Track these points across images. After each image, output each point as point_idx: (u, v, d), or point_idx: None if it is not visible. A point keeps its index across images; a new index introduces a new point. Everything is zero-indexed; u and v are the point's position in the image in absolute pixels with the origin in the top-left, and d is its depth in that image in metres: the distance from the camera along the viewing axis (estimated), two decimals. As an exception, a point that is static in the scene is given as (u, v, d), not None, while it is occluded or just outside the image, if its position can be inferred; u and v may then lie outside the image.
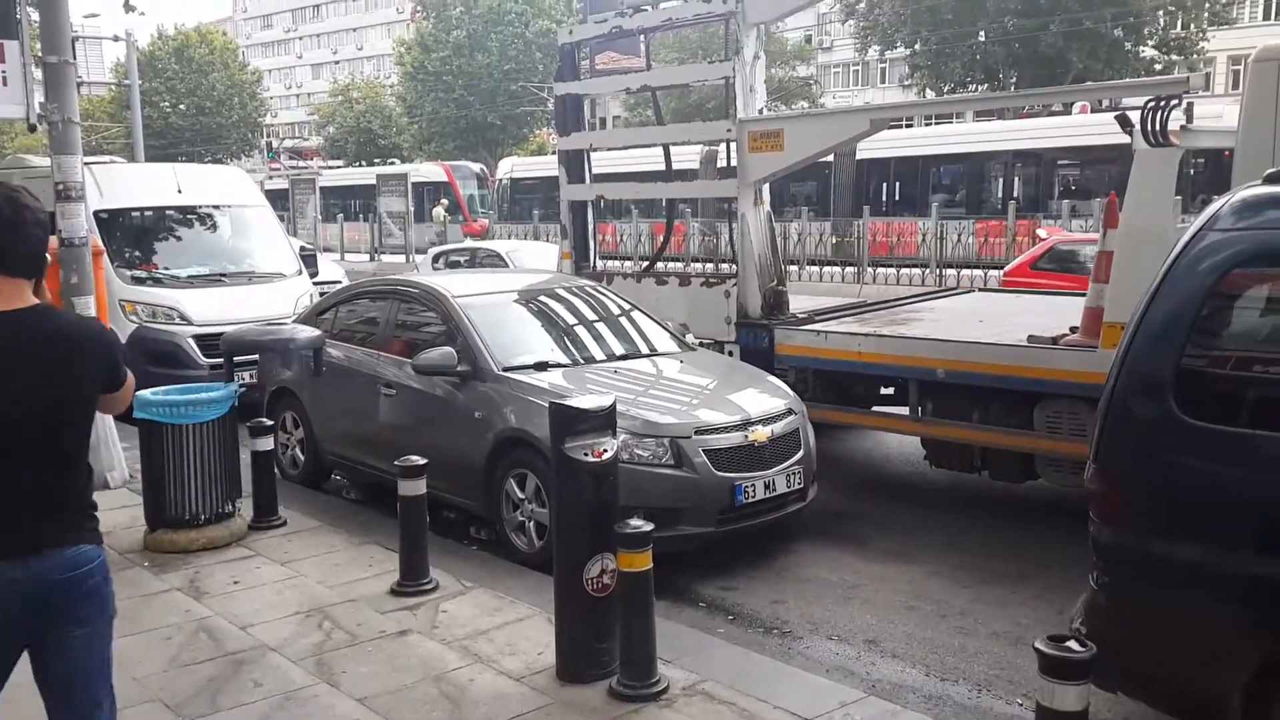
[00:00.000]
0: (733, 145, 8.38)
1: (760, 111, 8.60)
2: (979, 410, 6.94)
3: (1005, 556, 6.28)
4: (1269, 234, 3.62)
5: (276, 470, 7.85)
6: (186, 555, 6.29)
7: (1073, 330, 6.83)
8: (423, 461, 5.69)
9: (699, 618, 5.54)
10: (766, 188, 8.51)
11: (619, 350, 7.20)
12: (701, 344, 7.94)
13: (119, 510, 7.28)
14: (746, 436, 6.11)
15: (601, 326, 7.50)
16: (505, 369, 6.55)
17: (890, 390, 8.05)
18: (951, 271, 19.09)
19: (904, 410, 7.47)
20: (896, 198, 25.53)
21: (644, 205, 24.53)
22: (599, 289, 8.19)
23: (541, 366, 6.60)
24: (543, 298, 7.71)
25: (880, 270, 21.01)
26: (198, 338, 10.60)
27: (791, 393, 6.84)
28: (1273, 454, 3.35)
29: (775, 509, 6.20)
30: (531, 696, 4.40)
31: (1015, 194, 23.32)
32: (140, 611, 5.44)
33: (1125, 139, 6.50)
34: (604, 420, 4.60)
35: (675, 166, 9.95)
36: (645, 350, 7.28)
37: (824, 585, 5.97)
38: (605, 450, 4.54)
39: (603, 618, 4.53)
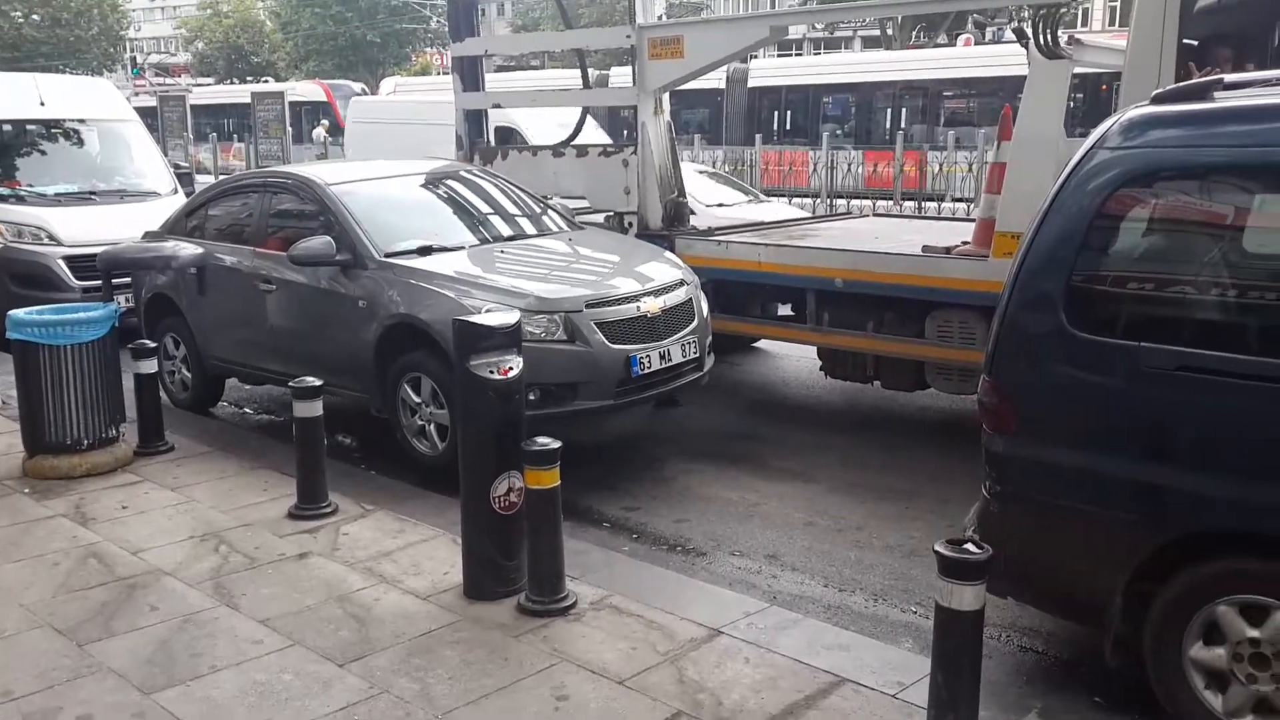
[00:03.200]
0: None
1: (660, 18, 8.52)
2: (873, 320, 7.11)
3: (898, 473, 6.48)
4: (1155, 152, 3.74)
5: (166, 397, 7.63)
6: (69, 481, 6.05)
7: (964, 243, 7.02)
8: (318, 382, 5.57)
9: (604, 537, 5.59)
10: (666, 97, 8.45)
11: (505, 232, 7.17)
12: (604, 216, 8.05)
13: (-8, 436, 6.97)
14: (639, 308, 6.16)
15: (486, 209, 7.45)
16: (387, 255, 6.41)
17: (787, 309, 8.19)
18: (841, 201, 19.36)
19: (802, 323, 7.62)
20: (788, 127, 25.68)
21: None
22: (484, 173, 8.13)
23: (425, 251, 6.49)
24: (424, 184, 7.60)
25: (772, 200, 21.22)
26: (68, 259, 10.09)
27: (683, 264, 6.94)
28: (1154, 364, 3.51)
29: (672, 378, 6.32)
30: (439, 614, 4.39)
31: (902, 125, 23.69)
32: (23, 538, 5.24)
33: (1006, 72, 6.70)
34: (509, 338, 4.55)
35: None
36: (532, 231, 7.26)
37: (725, 504, 6.08)
38: (511, 368, 4.50)
39: (509, 536, 4.54)
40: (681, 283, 6.62)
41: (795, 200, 21.19)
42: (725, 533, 5.68)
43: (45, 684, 3.83)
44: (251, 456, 6.59)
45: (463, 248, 6.76)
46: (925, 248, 7.01)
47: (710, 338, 6.74)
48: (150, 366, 6.70)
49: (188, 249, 7.03)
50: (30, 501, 5.76)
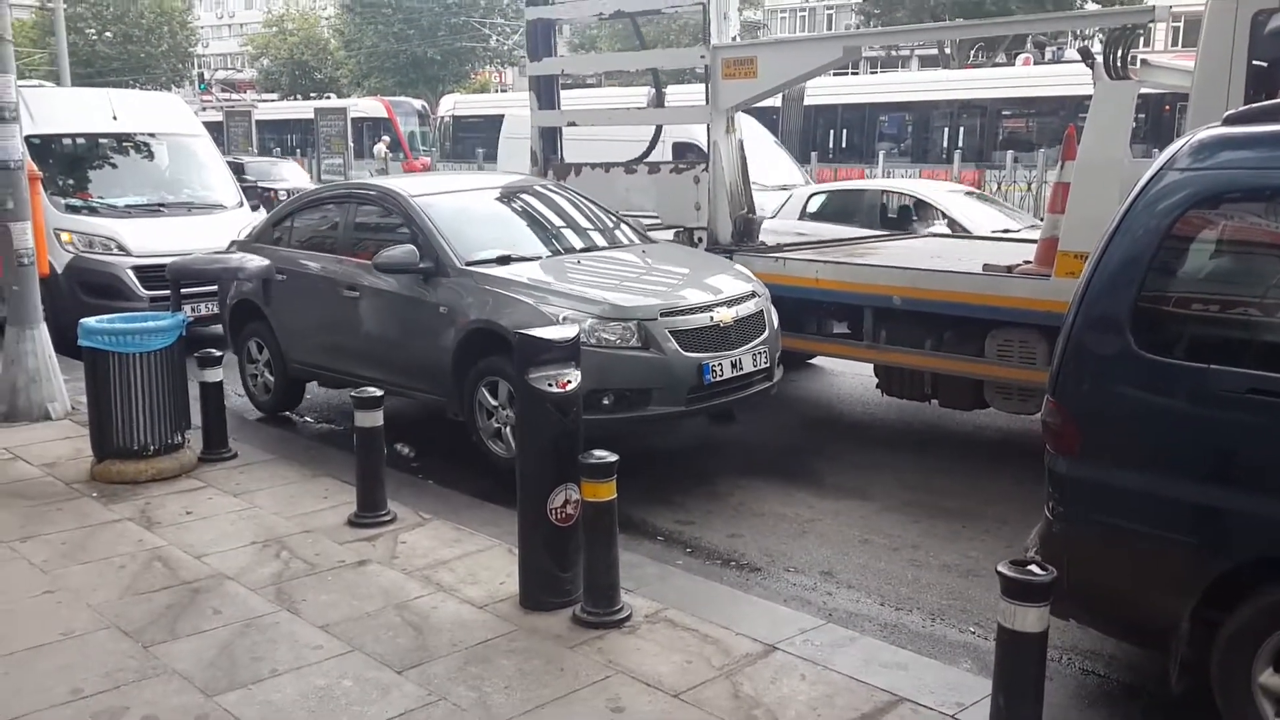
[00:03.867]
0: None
1: (733, 39, 8.58)
2: (932, 338, 7.08)
3: (954, 494, 6.42)
4: (1226, 174, 3.69)
5: (250, 402, 7.84)
6: (135, 486, 6.19)
7: (1026, 262, 6.96)
8: (379, 393, 5.65)
9: (658, 550, 5.59)
10: (739, 116, 8.50)
11: (580, 244, 7.32)
12: (674, 231, 8.23)
13: (63, 441, 7.15)
14: (712, 318, 6.26)
15: (561, 222, 7.61)
16: (468, 263, 6.55)
17: (844, 328, 8.16)
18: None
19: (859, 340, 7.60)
20: (844, 145, 25.61)
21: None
22: (560, 187, 8.30)
23: (504, 260, 6.67)
24: (503, 196, 7.81)
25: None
26: (137, 269, 10.36)
27: (754, 277, 6.99)
28: (1224, 387, 3.45)
29: (743, 387, 6.40)
30: (495, 623, 4.42)
31: (959, 143, 23.52)
32: (90, 541, 5.36)
33: (1066, 92, 6.66)
34: (568, 351, 4.59)
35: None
36: (606, 243, 7.36)
37: (779, 520, 6.06)
38: (569, 381, 4.54)
39: (565, 547, 4.56)
40: (753, 294, 6.71)
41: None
42: (780, 549, 5.66)
43: (112, 684, 3.92)
44: (312, 464, 6.69)
45: (539, 257, 6.92)
46: (986, 266, 6.96)
47: (779, 350, 6.80)
48: (216, 375, 6.83)
49: (254, 261, 7.20)
50: (98, 505, 5.90)
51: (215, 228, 10.97)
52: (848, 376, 9.21)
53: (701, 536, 5.84)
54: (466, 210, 7.34)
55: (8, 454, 6.86)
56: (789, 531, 5.89)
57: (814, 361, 9.45)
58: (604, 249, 7.30)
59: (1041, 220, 9.11)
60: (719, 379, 6.22)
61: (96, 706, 3.75)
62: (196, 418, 6.83)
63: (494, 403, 6.27)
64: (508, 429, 6.23)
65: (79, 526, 5.56)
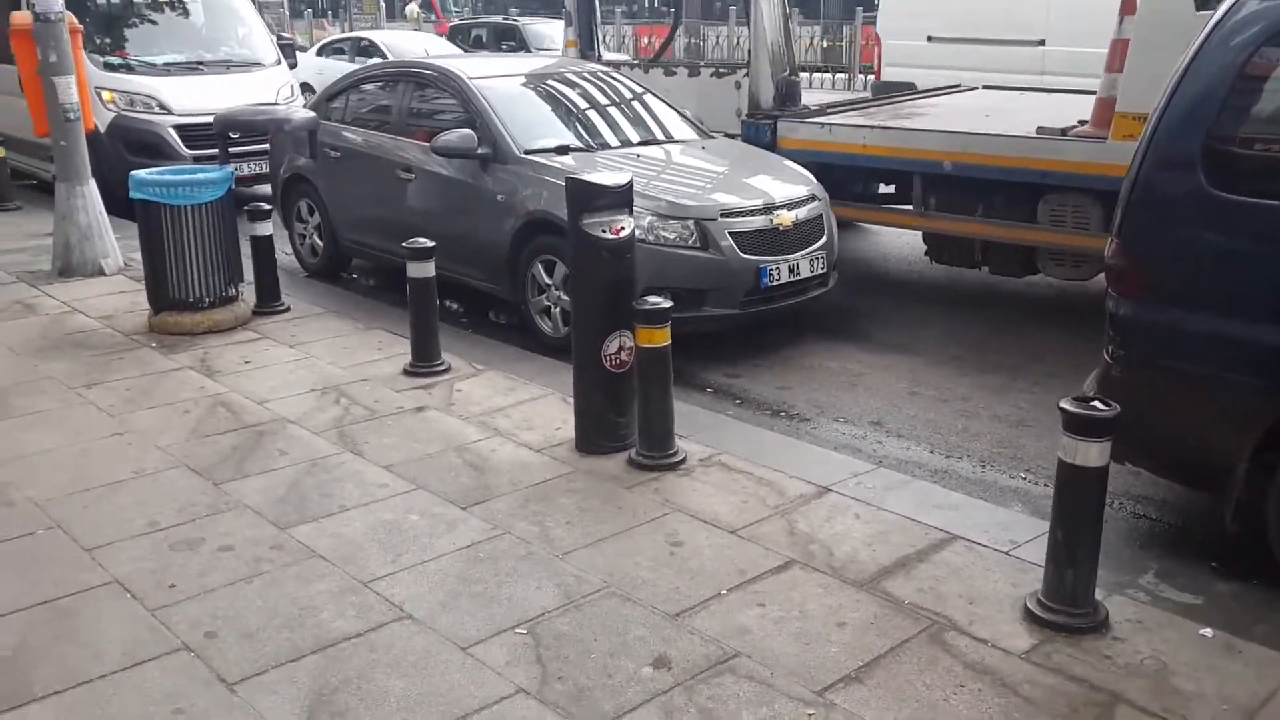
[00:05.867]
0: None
1: None
2: (983, 204, 6.92)
3: (1001, 349, 6.40)
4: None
5: (297, 261, 7.91)
6: (193, 337, 6.30)
7: (1081, 123, 6.75)
8: (430, 244, 5.66)
9: (707, 401, 5.65)
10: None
11: (638, 136, 7.11)
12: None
13: (118, 295, 7.27)
14: (771, 220, 6.13)
15: (619, 112, 7.38)
16: (527, 152, 6.47)
17: (889, 188, 8.02)
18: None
19: (907, 206, 7.46)
20: None
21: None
22: (613, 74, 8.00)
23: (563, 150, 6.55)
24: (558, 82, 7.52)
25: (871, 78, 20.51)
26: (178, 127, 10.32)
27: (814, 179, 6.80)
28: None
29: (798, 293, 6.29)
30: (553, 465, 4.52)
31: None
32: (154, 388, 5.49)
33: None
34: (621, 197, 4.55)
35: None
36: (664, 137, 7.19)
37: (828, 373, 6.09)
38: (623, 227, 4.51)
39: (620, 393, 4.62)
40: (813, 197, 6.52)
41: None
42: (829, 400, 5.70)
43: (187, 517, 4.06)
44: (364, 318, 6.77)
45: (599, 148, 6.76)
46: (1040, 129, 6.74)
47: (836, 255, 6.64)
48: (266, 229, 6.86)
49: (301, 113, 7.13)
50: (158, 355, 6.02)
51: (255, 85, 10.89)
52: (890, 235, 9.10)
53: (750, 389, 5.88)
54: (525, 96, 7.18)
55: (66, 307, 6.98)
56: (838, 384, 5.92)
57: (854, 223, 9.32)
58: (663, 143, 7.09)
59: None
60: (776, 283, 6.09)
61: (175, 537, 3.90)
62: (248, 274, 6.90)
63: (548, 280, 6.23)
64: (557, 309, 6.22)
65: (141, 374, 5.69)
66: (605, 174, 4.69)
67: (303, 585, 3.56)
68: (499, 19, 21.95)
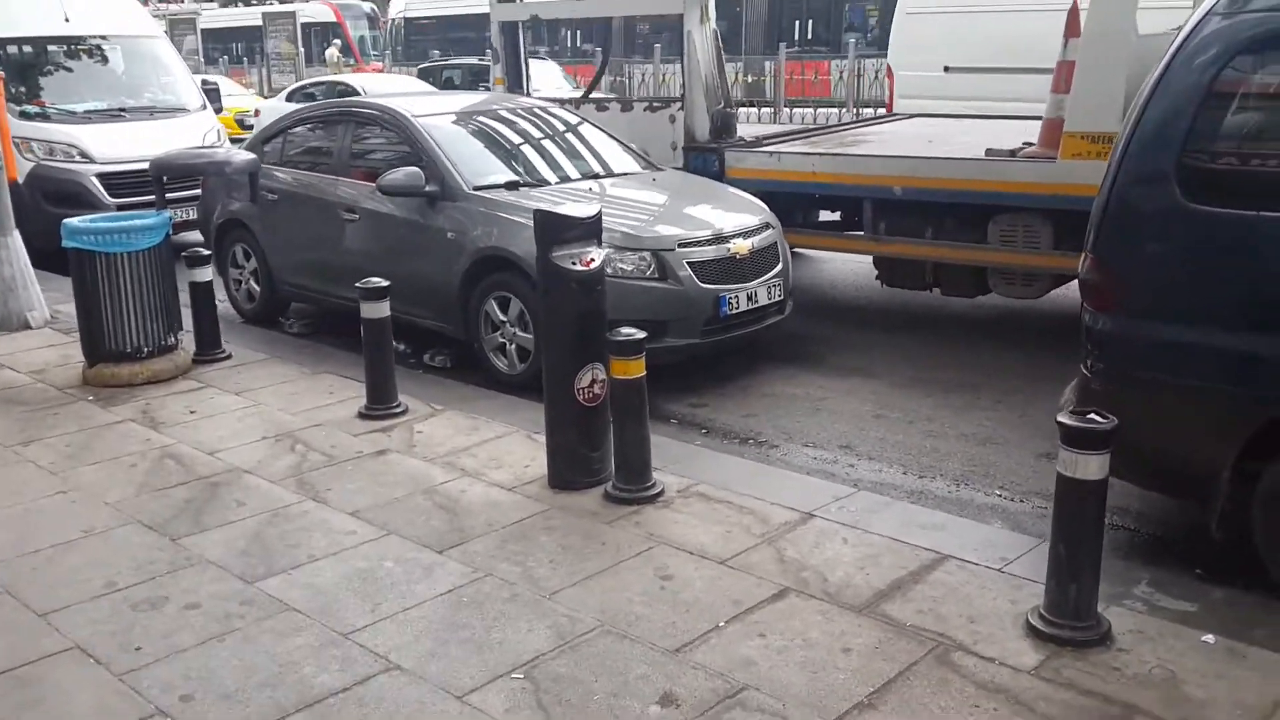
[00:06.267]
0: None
1: None
2: (932, 227, 6.98)
3: (959, 368, 6.43)
4: (1273, 16, 3.61)
5: (233, 307, 7.67)
6: (132, 389, 6.04)
7: (1027, 145, 6.87)
8: (385, 284, 5.53)
9: (674, 432, 5.55)
10: (712, 4, 8.23)
11: (591, 169, 7.04)
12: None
13: (47, 349, 6.96)
14: (728, 249, 6.08)
15: (564, 146, 7.29)
16: (475, 188, 6.35)
17: (833, 215, 8.07)
18: (869, 110, 19.03)
19: (857, 233, 7.50)
20: (810, 35, 25.14)
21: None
22: (555, 109, 7.92)
23: (512, 186, 6.44)
24: (501, 117, 7.42)
25: (796, 110, 20.83)
26: (101, 175, 9.99)
27: (765, 207, 6.78)
28: (1275, 234, 3.43)
29: (756, 321, 6.24)
30: (527, 503, 4.38)
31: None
32: (95, 442, 5.23)
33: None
34: (590, 229, 4.48)
35: None
36: (613, 169, 7.11)
37: (790, 400, 6.05)
38: (593, 259, 4.44)
39: (593, 427, 4.51)
40: (768, 225, 6.51)
41: (820, 110, 20.78)
42: (795, 426, 5.65)
43: (146, 575, 3.83)
44: (309, 362, 6.56)
45: (550, 183, 6.67)
46: (989, 151, 6.84)
47: (792, 282, 6.62)
48: (205, 274, 6.63)
49: (241, 155, 6.92)
50: (96, 408, 5.75)
51: (179, 131, 10.59)
52: (834, 262, 9.16)
53: (715, 418, 5.81)
54: (469, 132, 7.08)
55: (-7, 363, 6.66)
56: (802, 410, 5.88)
57: (799, 251, 9.36)
58: (613, 175, 7.03)
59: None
60: (735, 311, 6.05)
61: (135, 596, 3.68)
62: (185, 322, 6.65)
63: (502, 317, 6.10)
64: (512, 346, 6.10)
65: (80, 429, 5.42)
66: (573, 205, 4.61)
67: (279, 640, 3.37)
68: (473, 60, 21.68)
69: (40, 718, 3.00)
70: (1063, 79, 6.43)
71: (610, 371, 4.35)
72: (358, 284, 5.53)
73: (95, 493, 4.62)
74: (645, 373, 4.33)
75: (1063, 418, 3.18)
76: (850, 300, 8.38)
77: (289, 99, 18.06)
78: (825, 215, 8.11)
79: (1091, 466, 3.14)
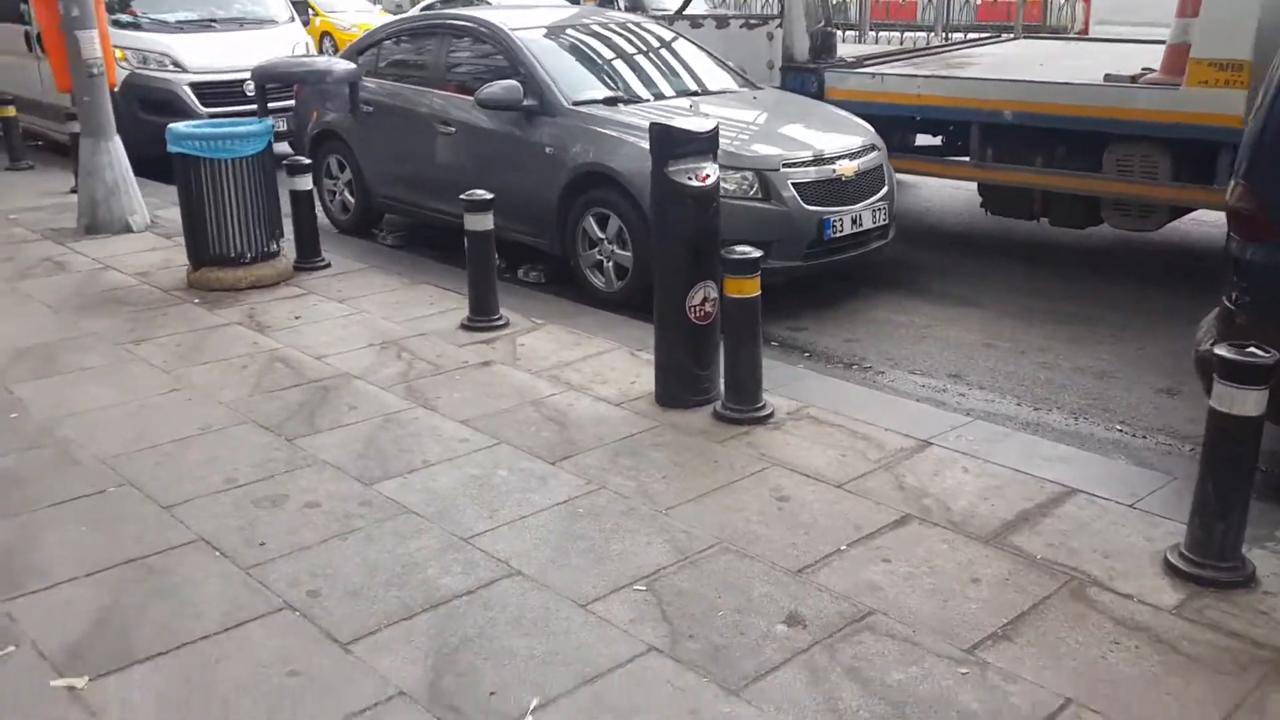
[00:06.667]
0: None
1: None
2: (1043, 155, 6.72)
3: (1071, 299, 6.23)
4: None
5: (326, 217, 7.67)
6: (235, 293, 6.10)
7: (1145, 71, 6.55)
8: (489, 196, 5.46)
9: (776, 355, 5.44)
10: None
11: (688, 87, 6.86)
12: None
13: (150, 252, 7.06)
14: (833, 170, 5.91)
15: (668, 63, 7.12)
16: (574, 103, 6.24)
17: (934, 139, 7.81)
18: (958, 35, 18.33)
19: (962, 158, 7.25)
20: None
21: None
22: (648, 24, 7.73)
23: (611, 102, 6.30)
24: (594, 32, 7.23)
25: (882, 34, 20.13)
26: (194, 85, 10.04)
27: (871, 129, 6.57)
28: None
29: (859, 245, 6.09)
30: (636, 419, 4.34)
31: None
32: (204, 343, 5.29)
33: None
34: (707, 143, 4.36)
35: None
36: (714, 87, 6.93)
37: (894, 326, 5.91)
38: (708, 175, 4.32)
39: (704, 345, 4.44)
40: (873, 147, 6.31)
41: (906, 35, 20.06)
42: (900, 353, 5.52)
43: (265, 473, 3.88)
44: (409, 273, 6.56)
45: (649, 99, 6.52)
46: (1108, 76, 6.53)
47: (895, 205, 6.42)
48: (306, 183, 6.64)
49: (342, 64, 6.86)
50: (203, 310, 5.82)
51: (269, 42, 10.58)
52: (935, 187, 8.90)
53: (817, 341, 5.71)
54: (565, 47, 6.91)
55: (98, 264, 6.77)
56: (907, 337, 5.74)
57: (900, 176, 9.11)
58: (712, 93, 6.83)
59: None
60: (839, 234, 5.89)
61: (256, 493, 3.72)
62: (286, 230, 6.68)
63: (600, 234, 6.02)
64: (610, 264, 6.02)
65: (190, 330, 5.49)
66: (690, 119, 4.47)
67: (400, 541, 3.39)
68: None
69: (172, 606, 3.05)
70: (1189, 2, 6.09)
71: (724, 290, 4.25)
72: (461, 196, 5.48)
73: (209, 392, 4.68)
74: (760, 292, 4.23)
75: (1221, 349, 3.03)
76: (954, 227, 8.14)
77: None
78: (923, 140, 7.85)
79: (1249, 402, 2.99)
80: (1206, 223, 7.32)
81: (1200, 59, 5.87)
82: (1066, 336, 5.64)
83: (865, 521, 3.49)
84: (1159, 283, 6.53)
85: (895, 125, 7.45)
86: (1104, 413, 4.73)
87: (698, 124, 4.41)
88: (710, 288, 4.38)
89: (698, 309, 4.38)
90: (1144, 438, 4.48)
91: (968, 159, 7.15)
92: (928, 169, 7.67)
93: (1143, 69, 6.63)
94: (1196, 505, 3.15)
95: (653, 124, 4.42)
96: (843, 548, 3.33)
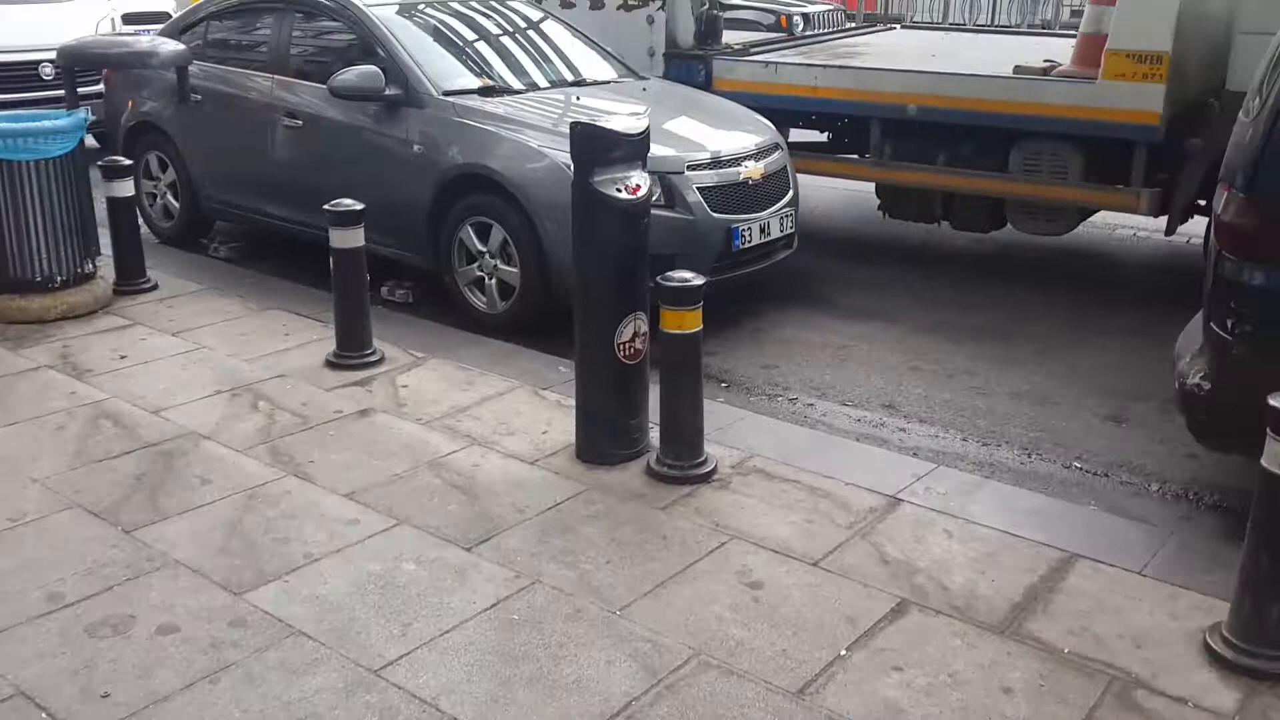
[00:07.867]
0: None
1: None
2: (946, 153, 6.35)
3: (980, 311, 5.91)
4: None
5: (146, 225, 6.64)
6: (44, 326, 5.11)
7: (1047, 63, 6.27)
8: (359, 206, 4.67)
9: (691, 385, 4.89)
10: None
11: (571, 76, 6.17)
12: None
13: (-69, 274, 5.88)
14: (739, 174, 5.34)
15: (548, 49, 6.40)
16: (445, 93, 5.46)
17: (820, 135, 7.38)
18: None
19: (853, 156, 6.84)
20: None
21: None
22: (520, 3, 6.95)
23: (487, 92, 5.55)
24: (456, 12, 6.43)
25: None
26: (-21, 68, 8.69)
27: (771, 125, 6.04)
28: None
29: (766, 256, 5.57)
30: (558, 482, 3.68)
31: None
32: (10, 396, 4.33)
33: None
34: (636, 148, 3.73)
35: None
36: (599, 77, 6.25)
37: (809, 347, 5.43)
38: (639, 186, 3.70)
39: (633, 389, 3.83)
40: (777, 146, 5.78)
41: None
42: (824, 379, 5.04)
43: (101, 584, 3.04)
44: (254, 295, 5.67)
45: (529, 90, 5.81)
46: (1017, 68, 6.20)
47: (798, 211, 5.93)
48: (126, 188, 5.66)
49: (170, 45, 5.87)
50: (5, 351, 4.81)
51: (68, 16, 9.29)
52: (822, 188, 8.49)
53: (733, 369, 5.16)
54: (430, 28, 6.10)
55: None
56: (826, 360, 5.27)
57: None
58: (597, 84, 6.15)
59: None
60: (747, 245, 5.34)
61: (92, 615, 2.89)
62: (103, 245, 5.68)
63: (480, 247, 5.29)
64: (492, 280, 5.32)
65: (-12, 378, 4.50)
66: (616, 120, 3.82)
67: (291, 681, 2.64)
68: None
69: (-17, 805, 2.24)
70: (1107, -12, 5.81)
71: (662, 324, 3.64)
72: (326, 207, 4.67)
73: (18, 465, 3.76)
74: (702, 326, 3.64)
75: (1275, 400, 2.61)
76: (845, 231, 7.75)
77: None
78: (805, 136, 7.38)
79: (1313, 464, 2.59)
80: (1100, 225, 7.18)
81: (1117, 50, 5.59)
82: (991, 356, 5.28)
83: (858, 613, 2.95)
84: (1065, 289, 6.29)
85: (786, 120, 6.96)
86: (1056, 446, 4.35)
87: (626, 124, 3.75)
88: (641, 320, 3.77)
89: (627, 345, 3.76)
90: (1105, 475, 4.12)
91: (861, 157, 6.75)
92: (822, 168, 7.15)
93: (1045, 60, 6.35)
94: (1245, 583, 2.74)
95: (574, 124, 3.74)
96: (842, 652, 2.78)
